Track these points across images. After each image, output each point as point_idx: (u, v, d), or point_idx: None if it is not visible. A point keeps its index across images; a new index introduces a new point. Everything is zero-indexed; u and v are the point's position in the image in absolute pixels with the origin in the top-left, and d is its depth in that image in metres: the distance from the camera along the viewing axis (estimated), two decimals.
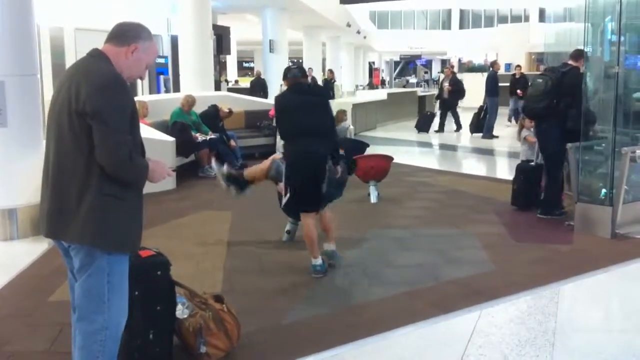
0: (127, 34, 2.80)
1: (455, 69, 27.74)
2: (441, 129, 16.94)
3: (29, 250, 5.88)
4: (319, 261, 5.17)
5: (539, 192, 7.31)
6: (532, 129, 8.02)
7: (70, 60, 16.30)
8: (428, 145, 13.61)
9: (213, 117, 10.93)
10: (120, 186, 2.66)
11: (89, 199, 2.62)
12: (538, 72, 17.43)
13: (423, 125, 17.29)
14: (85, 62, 2.75)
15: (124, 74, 2.75)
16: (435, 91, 28.94)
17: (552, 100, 6.68)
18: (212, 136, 10.35)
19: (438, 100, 17.94)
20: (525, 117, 7.93)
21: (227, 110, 11.21)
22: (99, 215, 2.64)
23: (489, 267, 5.39)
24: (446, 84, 17.00)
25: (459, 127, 17.06)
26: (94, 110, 2.56)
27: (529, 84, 7.40)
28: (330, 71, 22.26)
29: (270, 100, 14.72)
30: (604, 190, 6.30)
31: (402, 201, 8.13)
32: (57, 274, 5.01)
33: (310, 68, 22.62)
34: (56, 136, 2.70)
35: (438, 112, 18.01)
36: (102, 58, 2.74)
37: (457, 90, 17.15)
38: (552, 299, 4.60)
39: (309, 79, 18.22)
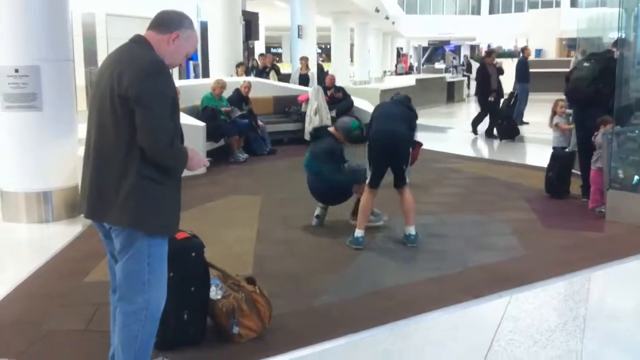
0: (169, 22, 2.84)
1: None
2: None
3: (64, 233, 6.00)
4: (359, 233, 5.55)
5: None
6: (563, 116, 7.93)
7: (101, 46, 16.53)
8: (457, 131, 13.49)
9: (238, 100, 10.97)
10: (159, 170, 2.71)
11: (129, 181, 2.66)
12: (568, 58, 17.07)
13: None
14: (128, 48, 2.79)
15: (165, 60, 2.79)
16: (460, 77, 28.22)
17: (599, 85, 6.61)
18: (242, 112, 10.39)
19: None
20: (566, 101, 7.73)
21: (246, 85, 11.17)
22: (139, 198, 2.68)
23: (518, 253, 5.38)
24: None
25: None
26: (137, 95, 2.60)
27: (575, 67, 7.11)
28: (262, 55, 17.81)
29: (299, 87, 14.76)
30: (636, 177, 6.24)
31: (430, 187, 8.12)
32: (92, 255, 5.12)
33: (261, 54, 19.40)
34: (98, 120, 2.75)
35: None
36: (145, 44, 2.79)
37: None
38: (583, 286, 4.59)
39: (259, 64, 17.43)
